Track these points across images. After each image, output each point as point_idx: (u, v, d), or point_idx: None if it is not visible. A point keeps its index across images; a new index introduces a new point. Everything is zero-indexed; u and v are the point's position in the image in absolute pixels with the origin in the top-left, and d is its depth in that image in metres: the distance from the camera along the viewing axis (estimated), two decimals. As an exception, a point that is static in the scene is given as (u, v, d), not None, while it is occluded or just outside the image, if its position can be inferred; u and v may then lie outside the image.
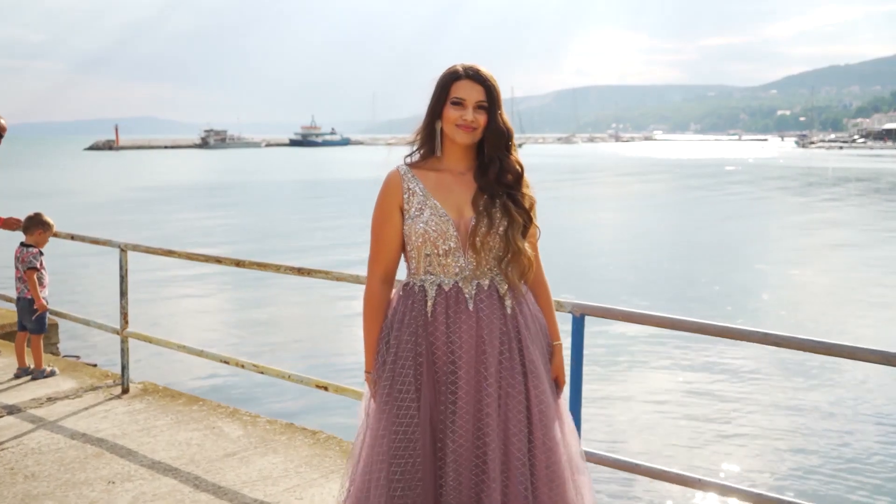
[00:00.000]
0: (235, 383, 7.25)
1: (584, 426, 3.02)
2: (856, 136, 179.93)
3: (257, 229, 23.07)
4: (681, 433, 7.02)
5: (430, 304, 2.30)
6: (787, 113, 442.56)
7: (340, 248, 19.06)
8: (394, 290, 2.46)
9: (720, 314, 11.87)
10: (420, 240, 2.31)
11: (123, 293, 5.08)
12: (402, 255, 2.43)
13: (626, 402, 7.51)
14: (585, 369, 3.07)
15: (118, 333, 5.17)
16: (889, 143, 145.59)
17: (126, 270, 5.06)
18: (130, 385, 5.14)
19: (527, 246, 2.35)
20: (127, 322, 5.11)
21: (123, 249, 5.05)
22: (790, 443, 6.81)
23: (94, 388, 5.11)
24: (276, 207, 30.80)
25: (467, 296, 2.30)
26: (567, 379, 2.52)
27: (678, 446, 6.68)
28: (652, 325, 2.90)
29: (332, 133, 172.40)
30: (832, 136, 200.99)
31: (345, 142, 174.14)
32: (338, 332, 10.17)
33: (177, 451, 4.07)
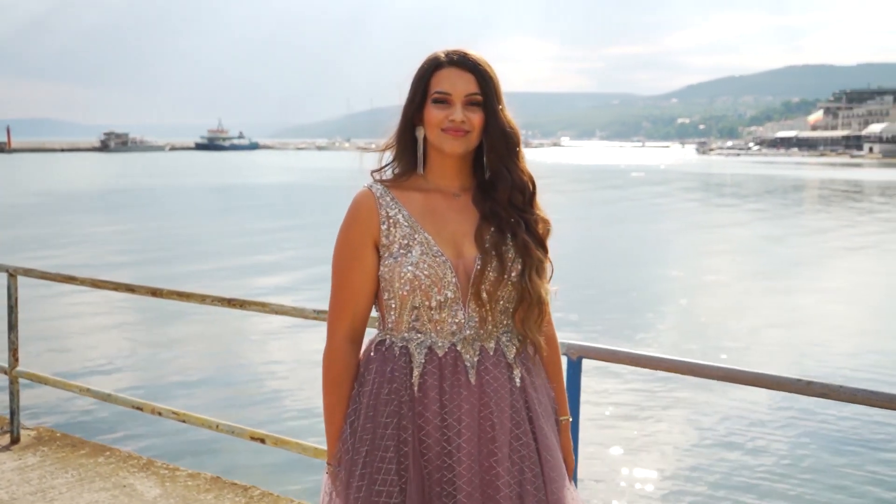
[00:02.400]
0: (150, 430, 6.37)
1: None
2: (751, 144, 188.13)
3: (168, 241, 21.18)
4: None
5: (416, 373, 1.71)
6: (687, 121, 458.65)
7: (267, 267, 16.81)
8: (362, 350, 1.85)
9: (633, 324, 11.74)
10: (407, 288, 1.71)
11: (13, 326, 4.30)
12: (375, 303, 1.83)
13: (629, 454, 6.63)
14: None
15: (6, 373, 4.38)
16: (781, 150, 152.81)
17: (16, 299, 4.28)
18: (21, 433, 4.38)
19: (544, 291, 1.78)
20: (17, 360, 4.33)
21: (13, 274, 4.27)
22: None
23: (-24, 439, 4.33)
24: (185, 215, 29.16)
25: (468, 364, 1.72)
26: None
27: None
28: (662, 369, 2.46)
29: (241, 137, 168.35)
30: (729, 143, 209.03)
31: (253, 146, 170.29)
32: (276, 374, 8.82)
33: (80, 520, 3.39)
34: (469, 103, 1.74)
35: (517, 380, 1.76)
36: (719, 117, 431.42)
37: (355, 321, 1.80)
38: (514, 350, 1.78)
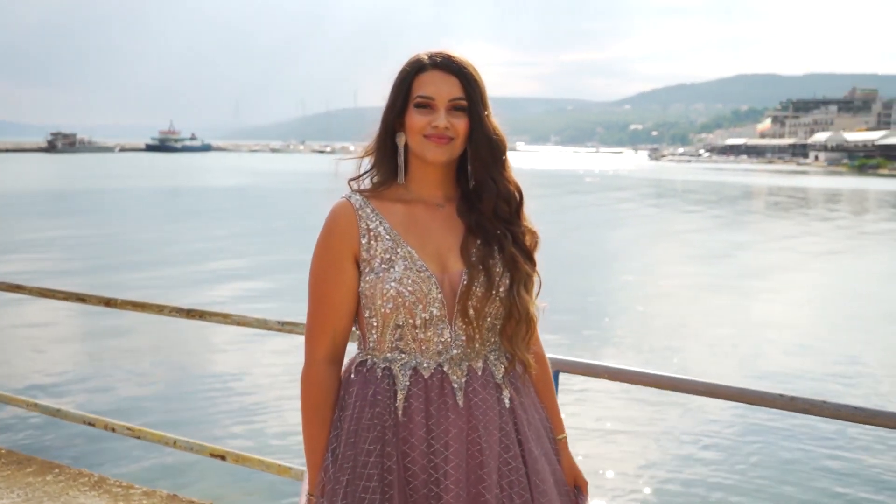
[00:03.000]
0: (102, 447, 6.10)
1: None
2: (701, 151, 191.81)
3: (119, 247, 20.38)
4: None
5: (400, 396, 1.61)
6: (640, 127, 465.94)
7: (225, 275, 15.94)
8: (341, 371, 1.74)
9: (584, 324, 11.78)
10: (390, 305, 1.61)
11: (-46, 337, 4.10)
12: (355, 321, 1.72)
13: (607, 467, 6.47)
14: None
15: (-53, 387, 4.17)
16: (731, 157, 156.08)
17: (-42, 309, 4.07)
18: (-36, 450, 4.15)
19: (532, 307, 1.69)
20: (-41, 372, 4.12)
21: (-46, 282, 4.07)
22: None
23: (-86, 457, 4.09)
24: (137, 219, 28.27)
25: (455, 385, 1.63)
26: None
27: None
28: (642, 384, 2.40)
29: (193, 138, 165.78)
30: (681, 149, 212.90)
31: (206, 147, 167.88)
32: (238, 388, 8.39)
33: (27, 544, 3.21)
34: (453, 108, 1.65)
35: (506, 401, 1.68)
36: (671, 124, 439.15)
37: (335, 340, 1.70)
38: (503, 369, 1.69)
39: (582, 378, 2.31)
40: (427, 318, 1.62)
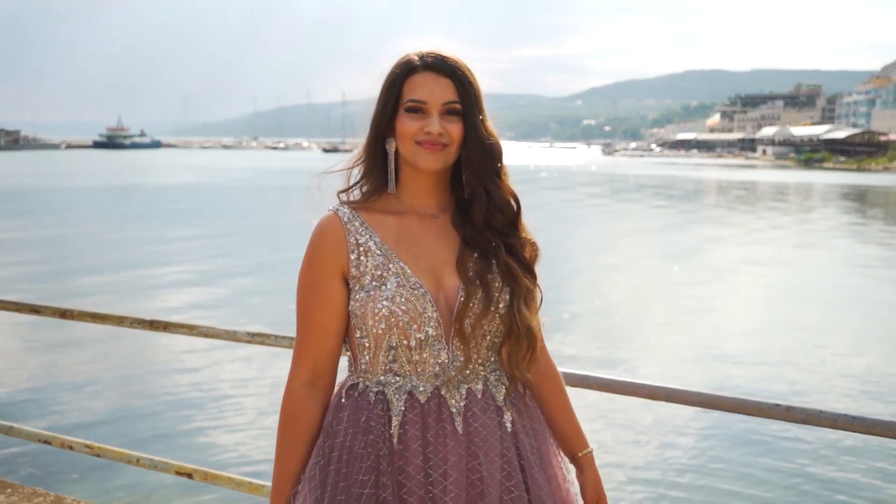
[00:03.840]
0: (60, 466, 5.79)
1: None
2: (653, 145, 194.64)
3: (69, 251, 19.33)
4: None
5: (396, 422, 1.51)
6: (593, 122, 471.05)
7: (184, 281, 15.08)
8: (332, 395, 1.64)
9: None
10: (382, 325, 1.51)
11: None
12: (346, 342, 1.62)
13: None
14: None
15: None
16: (682, 152, 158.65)
17: None
18: None
19: (535, 322, 1.60)
20: None
21: None
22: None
23: None
24: (86, 221, 27.17)
25: (454, 410, 1.53)
26: None
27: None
28: (637, 395, 2.32)
29: (142, 135, 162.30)
30: (633, 144, 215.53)
31: (155, 144, 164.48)
32: (205, 403, 7.97)
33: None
34: (447, 112, 1.55)
35: (508, 425, 1.58)
36: (623, 119, 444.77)
37: (317, 363, 1.59)
38: (504, 391, 1.60)
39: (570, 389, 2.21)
40: (422, 338, 1.52)
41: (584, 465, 1.73)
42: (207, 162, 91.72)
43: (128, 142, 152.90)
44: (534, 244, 1.65)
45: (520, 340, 1.57)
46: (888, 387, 9.38)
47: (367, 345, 1.55)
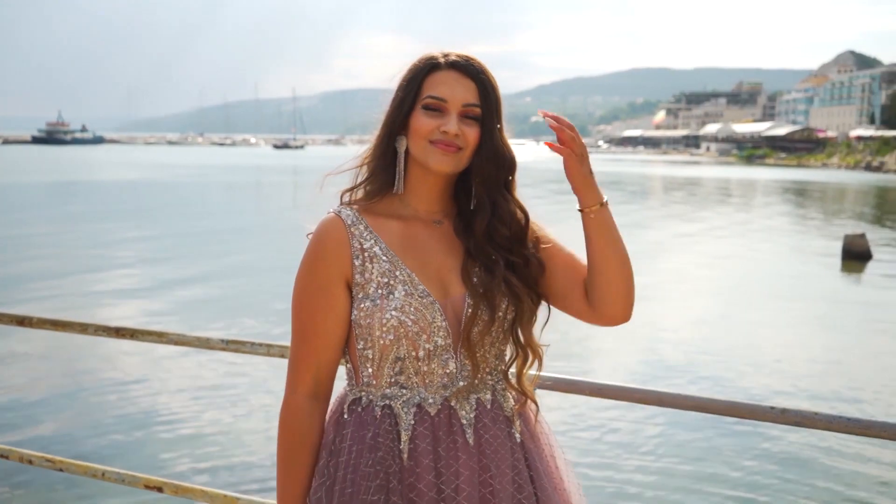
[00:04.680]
0: (18, 481, 5.44)
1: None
2: (600, 142, 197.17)
3: (11, 251, 18.34)
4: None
5: (405, 437, 1.44)
6: (541, 119, 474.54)
7: (139, 286, 14.20)
8: (330, 410, 1.56)
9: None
10: (391, 336, 1.44)
11: None
12: (345, 353, 1.54)
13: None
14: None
15: None
16: (629, 149, 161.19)
17: None
18: None
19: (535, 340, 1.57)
20: None
21: None
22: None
23: None
24: (27, 220, 26.02)
25: (464, 422, 1.47)
26: None
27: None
28: (628, 400, 2.29)
29: (84, 130, 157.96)
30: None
31: (98, 140, 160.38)
32: (174, 413, 7.58)
33: None
34: (465, 115, 1.48)
35: (517, 435, 1.54)
36: (571, 116, 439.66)
37: (320, 374, 1.51)
38: (512, 400, 1.56)
39: (560, 394, 2.18)
40: (431, 348, 1.46)
41: (592, 224, 1.50)
42: (152, 158, 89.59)
43: (68, 137, 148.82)
44: (539, 260, 1.56)
45: (525, 359, 1.55)
46: (820, 376, 9.62)
47: (370, 356, 1.48)
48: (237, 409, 7.62)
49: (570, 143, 1.47)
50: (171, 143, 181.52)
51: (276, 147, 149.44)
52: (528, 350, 1.54)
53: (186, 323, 11.18)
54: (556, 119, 1.49)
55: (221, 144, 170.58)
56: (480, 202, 1.53)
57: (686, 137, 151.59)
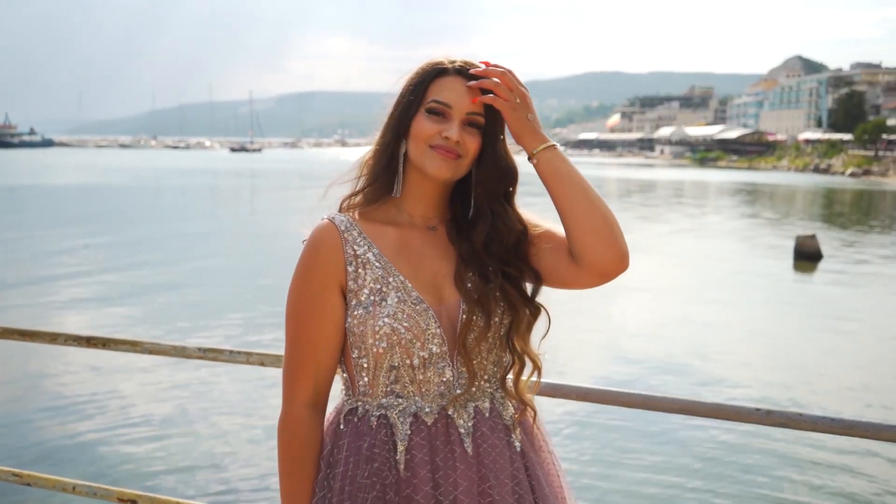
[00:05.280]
0: None
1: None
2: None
3: None
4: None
5: (401, 448, 1.43)
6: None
7: (93, 293, 13.77)
8: (326, 420, 1.54)
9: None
10: (384, 344, 1.42)
11: None
12: (341, 362, 1.53)
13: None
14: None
15: None
16: (584, 151, 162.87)
17: None
18: None
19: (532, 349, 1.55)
20: None
21: None
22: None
23: None
24: None
25: (462, 430, 1.45)
26: None
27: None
28: (615, 403, 2.31)
29: (32, 133, 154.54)
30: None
31: (47, 143, 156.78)
32: (147, 424, 7.32)
33: None
34: (468, 123, 1.47)
35: (517, 444, 1.52)
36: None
37: (318, 382, 1.49)
38: (511, 408, 1.54)
39: (545, 399, 2.18)
40: (426, 356, 1.44)
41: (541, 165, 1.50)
42: (103, 162, 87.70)
43: (16, 140, 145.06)
44: (537, 272, 1.55)
45: (522, 367, 1.54)
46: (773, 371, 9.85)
47: (365, 365, 1.46)
48: (212, 419, 7.48)
49: (498, 90, 1.45)
50: (123, 146, 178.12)
51: (234, 150, 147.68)
52: (524, 359, 1.53)
53: (149, 331, 10.95)
54: (485, 72, 1.47)
55: (175, 147, 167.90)
56: (481, 212, 1.52)
57: (641, 140, 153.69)
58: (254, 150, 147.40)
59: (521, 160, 1.59)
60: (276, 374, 1.76)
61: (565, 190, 1.45)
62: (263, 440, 6.85)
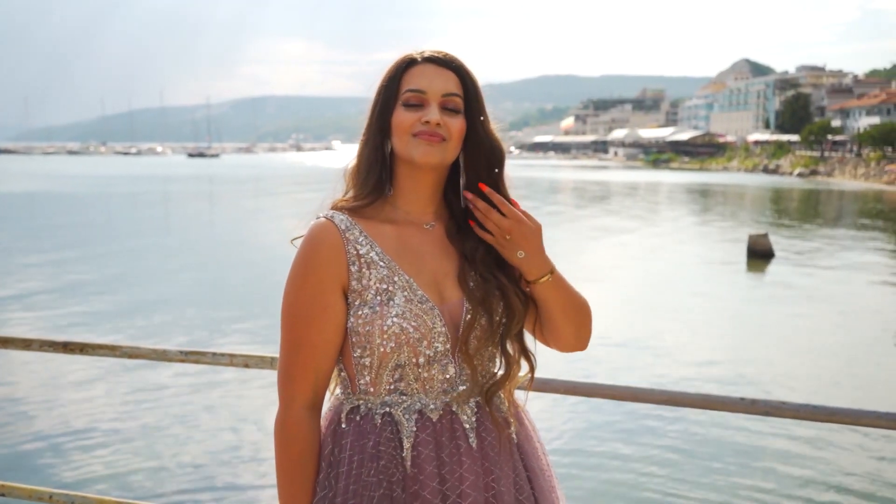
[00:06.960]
0: None
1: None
2: (512, 148, 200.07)
3: None
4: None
5: (407, 445, 1.42)
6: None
7: (77, 291, 13.70)
8: (324, 420, 1.52)
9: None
10: (392, 344, 1.41)
11: None
12: (338, 362, 1.51)
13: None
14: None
15: None
16: (540, 154, 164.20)
17: None
18: None
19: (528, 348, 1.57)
20: None
21: None
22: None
23: None
24: None
25: (467, 426, 1.46)
26: None
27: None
28: (600, 396, 2.35)
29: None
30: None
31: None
32: (124, 430, 7.17)
33: None
34: (447, 107, 1.47)
35: (514, 436, 1.54)
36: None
37: (318, 384, 1.48)
38: (507, 402, 1.56)
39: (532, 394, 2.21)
40: (431, 354, 1.44)
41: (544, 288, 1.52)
42: (51, 169, 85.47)
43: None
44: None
45: (518, 364, 1.55)
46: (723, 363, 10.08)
47: (368, 364, 1.44)
48: (192, 424, 7.35)
49: (490, 226, 1.48)
50: (71, 152, 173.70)
51: (191, 156, 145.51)
52: (520, 356, 1.54)
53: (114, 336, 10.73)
54: (474, 200, 1.50)
55: (126, 154, 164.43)
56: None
57: (595, 143, 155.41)
58: (212, 156, 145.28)
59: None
60: (258, 374, 1.75)
61: (555, 311, 1.53)
62: (247, 444, 6.79)
